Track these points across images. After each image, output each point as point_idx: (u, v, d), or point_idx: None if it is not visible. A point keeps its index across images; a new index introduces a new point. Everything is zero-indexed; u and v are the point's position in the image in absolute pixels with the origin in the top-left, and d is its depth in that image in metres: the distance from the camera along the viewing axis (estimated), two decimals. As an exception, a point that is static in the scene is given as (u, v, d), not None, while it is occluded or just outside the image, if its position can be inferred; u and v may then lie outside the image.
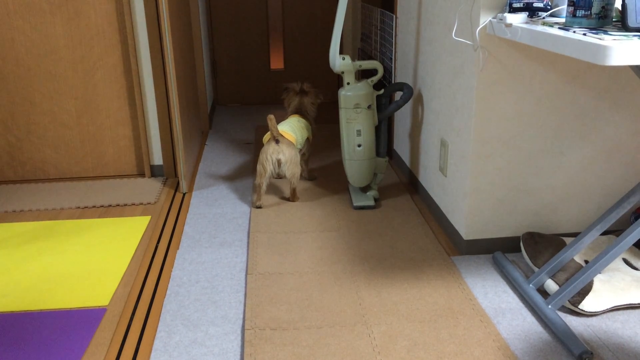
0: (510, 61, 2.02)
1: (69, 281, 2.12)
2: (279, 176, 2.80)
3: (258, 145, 3.71)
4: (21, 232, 2.53)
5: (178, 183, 3.10)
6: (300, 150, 2.86)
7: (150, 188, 3.02)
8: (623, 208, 1.89)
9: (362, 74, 3.73)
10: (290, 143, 2.68)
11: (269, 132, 2.67)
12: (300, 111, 2.98)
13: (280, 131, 2.68)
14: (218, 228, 2.53)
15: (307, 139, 2.91)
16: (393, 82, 3.27)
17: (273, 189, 2.95)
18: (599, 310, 1.84)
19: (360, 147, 2.64)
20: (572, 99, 2.10)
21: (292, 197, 2.79)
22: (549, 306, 1.82)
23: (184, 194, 2.94)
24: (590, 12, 1.54)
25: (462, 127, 2.20)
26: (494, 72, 2.03)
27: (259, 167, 2.68)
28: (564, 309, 1.88)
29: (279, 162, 2.66)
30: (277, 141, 2.65)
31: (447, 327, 1.80)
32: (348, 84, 2.58)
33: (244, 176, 3.17)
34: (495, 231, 2.25)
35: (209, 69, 4.45)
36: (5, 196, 2.95)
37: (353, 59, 3.04)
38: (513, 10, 1.85)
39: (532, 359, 1.65)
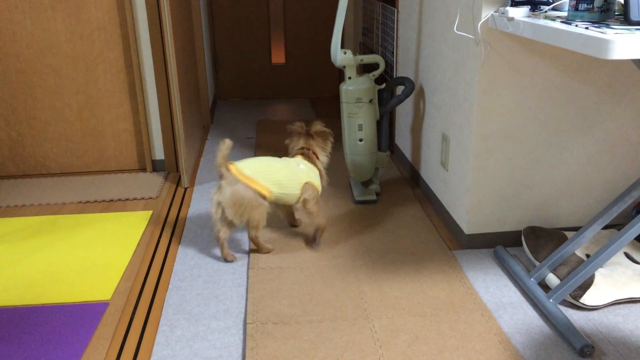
0: (512, 55, 2.02)
1: (71, 276, 2.12)
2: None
3: (259, 140, 3.71)
4: (23, 226, 2.54)
5: (179, 178, 3.11)
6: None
7: (152, 183, 3.03)
8: (624, 202, 1.89)
9: (364, 69, 3.73)
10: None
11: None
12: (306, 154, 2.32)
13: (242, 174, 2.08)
14: (219, 222, 2.53)
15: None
16: (394, 76, 3.26)
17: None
18: (600, 304, 1.84)
19: (362, 142, 2.63)
20: (574, 93, 2.09)
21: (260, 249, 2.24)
22: (550, 300, 1.82)
23: (186, 189, 2.94)
24: (593, 6, 1.53)
25: (464, 122, 2.20)
26: (496, 66, 2.03)
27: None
28: (565, 303, 1.88)
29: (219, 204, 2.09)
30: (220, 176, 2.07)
31: (448, 321, 1.80)
32: (349, 78, 2.58)
33: (245, 171, 3.17)
34: (496, 225, 2.25)
35: (210, 63, 4.45)
36: (7, 191, 2.96)
37: (354, 53, 3.03)
38: (515, 3, 1.84)
39: (534, 352, 1.66)
